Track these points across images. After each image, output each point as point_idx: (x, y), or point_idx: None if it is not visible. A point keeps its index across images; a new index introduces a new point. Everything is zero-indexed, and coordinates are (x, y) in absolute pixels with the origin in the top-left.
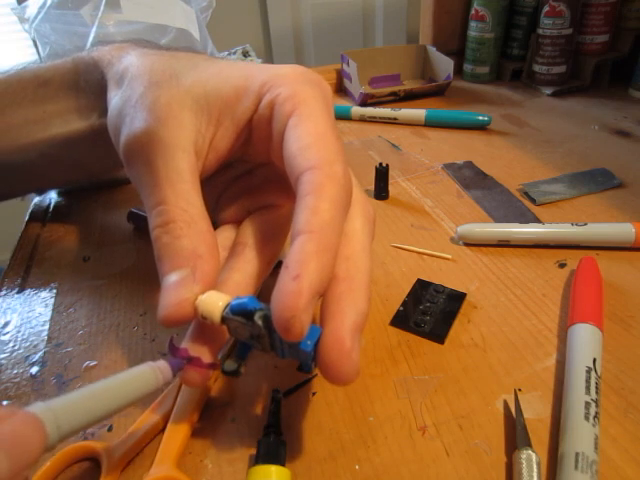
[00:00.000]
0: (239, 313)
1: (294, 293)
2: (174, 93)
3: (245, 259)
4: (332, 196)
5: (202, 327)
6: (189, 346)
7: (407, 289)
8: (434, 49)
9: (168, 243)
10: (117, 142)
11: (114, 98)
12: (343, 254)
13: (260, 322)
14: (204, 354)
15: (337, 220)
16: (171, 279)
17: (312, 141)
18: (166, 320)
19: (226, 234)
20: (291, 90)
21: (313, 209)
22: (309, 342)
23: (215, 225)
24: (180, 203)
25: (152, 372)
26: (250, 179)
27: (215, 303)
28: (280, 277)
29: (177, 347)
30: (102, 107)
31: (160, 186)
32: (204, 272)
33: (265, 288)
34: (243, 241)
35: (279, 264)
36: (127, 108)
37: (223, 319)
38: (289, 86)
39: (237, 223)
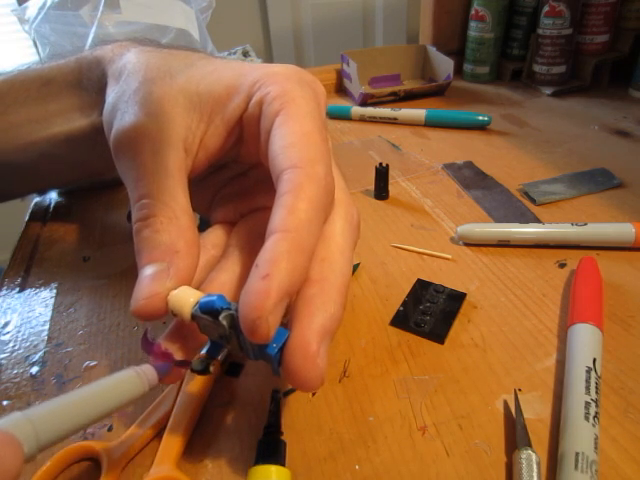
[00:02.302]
0: (206, 311)
1: (262, 293)
2: (167, 90)
3: (234, 260)
4: (311, 196)
5: (179, 324)
6: (163, 341)
7: (407, 289)
8: (434, 49)
9: (147, 237)
10: (109, 136)
11: (110, 94)
12: (319, 256)
13: (225, 322)
14: (176, 351)
15: (314, 221)
16: (146, 272)
17: (296, 140)
18: (137, 313)
19: (217, 232)
20: (280, 89)
21: (289, 208)
22: (275, 345)
23: (208, 225)
24: (163, 198)
25: (137, 377)
26: (244, 181)
27: (186, 299)
28: (249, 276)
29: (150, 341)
30: (103, 104)
31: (145, 180)
32: (179, 268)
33: None
34: (234, 243)
35: None
36: (120, 103)
37: (193, 316)
38: (279, 85)
39: (231, 224)
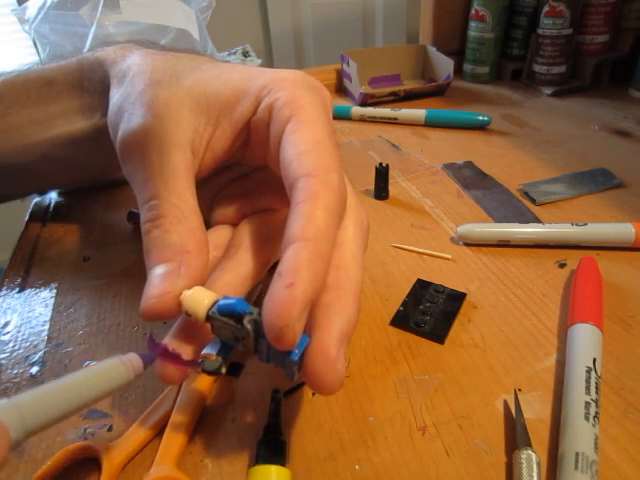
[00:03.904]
0: (227, 314)
1: (288, 301)
2: (174, 92)
3: (237, 261)
4: (327, 204)
5: (186, 324)
6: (170, 341)
7: (407, 289)
8: (434, 49)
9: (157, 237)
10: (115, 138)
11: (115, 95)
12: (333, 263)
13: (249, 326)
14: (185, 351)
15: (331, 228)
16: (156, 272)
17: (309, 148)
18: (147, 313)
19: (219, 233)
20: (290, 95)
21: (308, 216)
22: (297, 351)
23: (208, 226)
24: (172, 199)
25: (122, 365)
26: (246, 182)
27: (201, 300)
28: (273, 284)
29: (156, 343)
30: (105, 106)
31: (153, 181)
32: (191, 267)
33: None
34: (237, 243)
35: (273, 268)
36: (126, 105)
37: (208, 317)
38: (288, 91)
39: (232, 225)
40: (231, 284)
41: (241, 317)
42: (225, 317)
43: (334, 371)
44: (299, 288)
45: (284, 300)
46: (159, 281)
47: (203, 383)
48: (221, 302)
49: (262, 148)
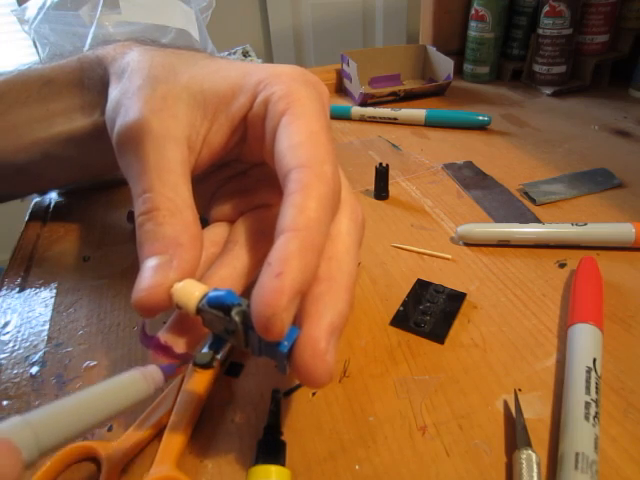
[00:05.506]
0: (216, 306)
1: (276, 291)
2: (171, 87)
3: (234, 256)
4: (319, 195)
5: (180, 318)
6: (163, 335)
7: (407, 289)
8: (434, 49)
9: (150, 229)
10: (112, 133)
11: (113, 91)
12: (326, 255)
13: (237, 318)
14: (178, 344)
15: (323, 220)
16: (148, 264)
17: (303, 140)
18: (138, 305)
19: (217, 230)
20: (286, 89)
21: (299, 207)
22: (286, 343)
23: (206, 223)
24: (166, 192)
25: (143, 378)
26: (244, 179)
27: (191, 292)
28: (262, 274)
29: (149, 335)
30: (105, 103)
31: (148, 174)
32: (183, 260)
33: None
34: (234, 239)
35: None
36: (123, 100)
37: (198, 310)
38: (284, 85)
39: (230, 222)
40: (227, 278)
41: (229, 309)
42: (214, 309)
43: (322, 363)
44: (288, 278)
45: (272, 289)
46: (150, 273)
47: (202, 383)
48: (210, 294)
49: (259, 144)
